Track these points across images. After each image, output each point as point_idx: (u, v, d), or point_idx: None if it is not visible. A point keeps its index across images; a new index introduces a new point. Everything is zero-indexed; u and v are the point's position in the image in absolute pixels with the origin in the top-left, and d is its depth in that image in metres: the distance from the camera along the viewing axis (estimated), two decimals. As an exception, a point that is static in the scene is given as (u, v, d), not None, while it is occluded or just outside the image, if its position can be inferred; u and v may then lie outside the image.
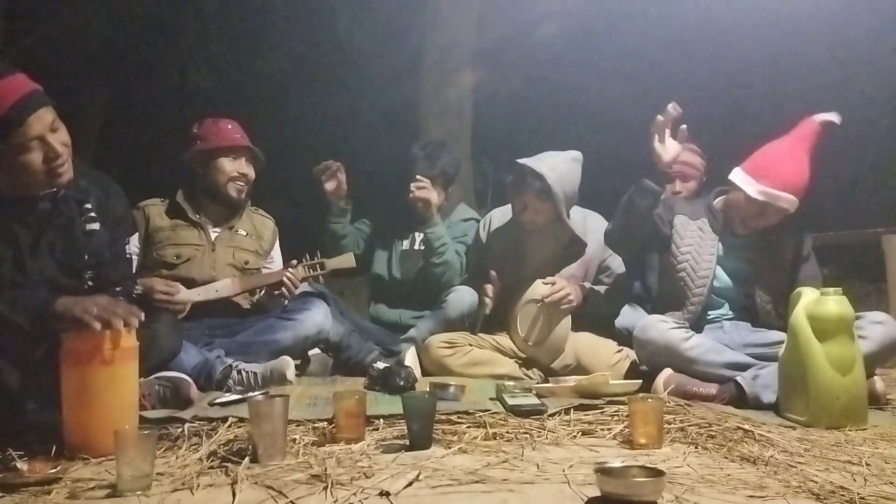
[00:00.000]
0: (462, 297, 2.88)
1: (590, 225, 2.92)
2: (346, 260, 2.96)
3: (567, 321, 2.73)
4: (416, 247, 3.19)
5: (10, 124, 1.74)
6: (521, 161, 2.79)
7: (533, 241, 2.89)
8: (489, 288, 2.84)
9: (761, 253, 2.56)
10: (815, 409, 2.03)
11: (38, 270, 1.89)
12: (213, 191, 2.78)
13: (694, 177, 3.23)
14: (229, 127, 2.81)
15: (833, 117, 2.41)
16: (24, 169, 1.80)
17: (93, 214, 2.00)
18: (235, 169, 2.77)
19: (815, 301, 2.09)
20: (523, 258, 2.90)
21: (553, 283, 2.74)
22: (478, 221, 3.25)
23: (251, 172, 2.83)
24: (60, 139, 1.83)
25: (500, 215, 3.05)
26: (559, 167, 2.76)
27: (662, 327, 2.44)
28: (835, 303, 2.06)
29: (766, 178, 2.41)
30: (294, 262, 2.83)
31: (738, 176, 2.48)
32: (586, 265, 2.88)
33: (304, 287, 2.84)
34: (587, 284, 2.85)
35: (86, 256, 1.97)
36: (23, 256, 1.87)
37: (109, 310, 1.72)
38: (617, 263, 2.94)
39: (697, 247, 2.57)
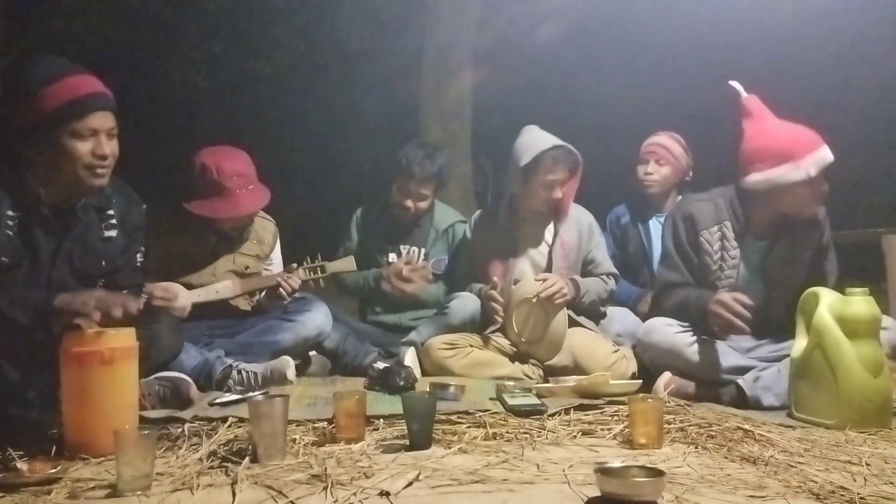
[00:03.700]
0: (465, 304, 2.87)
1: (572, 215, 2.93)
2: (347, 263, 2.92)
3: (563, 315, 2.73)
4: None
5: (76, 110, 1.79)
6: (546, 149, 2.76)
7: (521, 235, 2.91)
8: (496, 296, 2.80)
9: (778, 255, 2.45)
10: (845, 411, 1.97)
11: (55, 278, 1.90)
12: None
13: (670, 163, 3.19)
14: (246, 199, 2.63)
15: (736, 86, 2.48)
16: (67, 157, 1.82)
17: (114, 221, 2.02)
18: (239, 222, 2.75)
19: (842, 302, 2.05)
20: (514, 254, 2.90)
21: (544, 280, 2.73)
22: (463, 222, 3.21)
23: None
24: (112, 147, 1.88)
25: (482, 217, 3.06)
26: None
27: (668, 331, 2.42)
28: (865, 303, 2.02)
29: (764, 162, 2.33)
30: (294, 265, 2.81)
31: (752, 178, 2.37)
32: (571, 256, 2.89)
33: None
34: (577, 277, 2.85)
35: (102, 262, 1.99)
36: (41, 265, 1.88)
37: (108, 300, 1.74)
38: (602, 255, 2.96)
39: (720, 256, 2.46)
